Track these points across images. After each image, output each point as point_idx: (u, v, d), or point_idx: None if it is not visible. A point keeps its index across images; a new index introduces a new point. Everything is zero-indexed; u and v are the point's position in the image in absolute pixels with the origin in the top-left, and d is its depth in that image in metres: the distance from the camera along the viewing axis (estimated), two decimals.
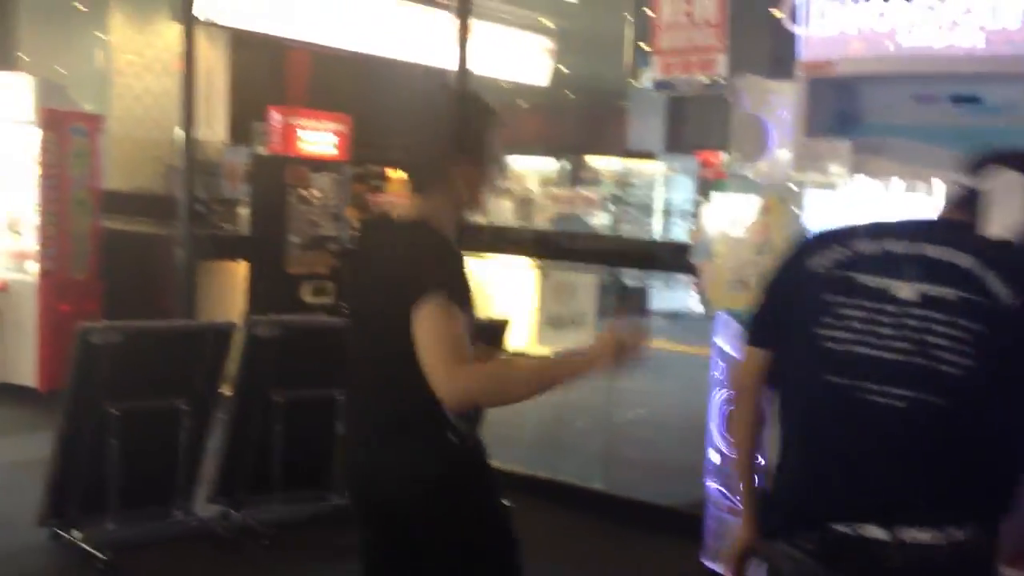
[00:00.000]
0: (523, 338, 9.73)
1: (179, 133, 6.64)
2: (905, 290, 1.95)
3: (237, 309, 7.29)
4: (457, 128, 2.48)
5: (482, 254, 6.57)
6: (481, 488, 2.57)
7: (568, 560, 4.77)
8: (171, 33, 8.50)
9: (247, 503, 4.81)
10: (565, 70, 12.70)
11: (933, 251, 1.98)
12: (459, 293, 2.37)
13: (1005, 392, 1.91)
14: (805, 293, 2.06)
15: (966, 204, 2.07)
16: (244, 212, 8.09)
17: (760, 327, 2.22)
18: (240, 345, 4.72)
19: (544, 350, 9.90)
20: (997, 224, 2.02)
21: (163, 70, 9.78)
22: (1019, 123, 3.62)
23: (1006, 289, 1.90)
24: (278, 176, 7.53)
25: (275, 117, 8.13)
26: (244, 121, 9.47)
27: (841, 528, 1.92)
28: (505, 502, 2.67)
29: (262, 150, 8.39)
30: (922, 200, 3.68)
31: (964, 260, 1.94)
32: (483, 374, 2.35)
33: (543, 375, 2.37)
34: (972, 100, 3.72)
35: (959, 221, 2.05)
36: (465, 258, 2.44)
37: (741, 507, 2.25)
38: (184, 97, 6.60)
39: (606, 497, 5.47)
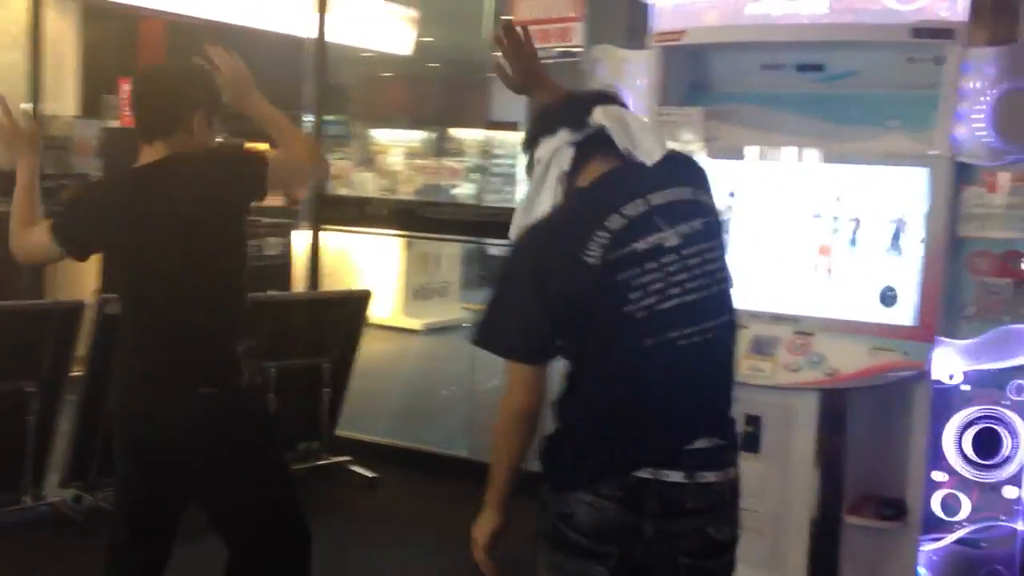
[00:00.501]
0: (387, 309, 9.72)
1: (26, 107, 6.37)
2: (670, 238, 2.09)
3: (90, 287, 7.06)
4: (199, 83, 2.83)
5: (346, 227, 6.50)
6: (264, 424, 2.89)
7: (433, 526, 4.78)
8: (18, 4, 8.14)
9: (100, 486, 4.67)
10: (428, 39, 12.60)
11: (658, 197, 2.11)
12: None
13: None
14: (592, 285, 2.07)
15: (587, 156, 2.18)
16: None
17: (538, 343, 2.13)
18: (91, 324, 4.57)
19: (410, 321, 9.92)
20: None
21: (11, 43, 9.34)
22: (861, 89, 3.76)
23: (710, 200, 2.22)
24: (131, 150, 7.25)
25: (126, 89, 7.85)
26: (95, 94, 9.12)
27: (643, 474, 2.05)
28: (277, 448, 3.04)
29: (115, 123, 8.10)
30: (773, 165, 3.79)
31: (684, 192, 2.16)
32: (301, 138, 3.19)
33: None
34: (816, 68, 3.84)
35: (632, 165, 2.15)
36: None
37: (493, 500, 2.30)
38: (31, 70, 6.34)
39: (470, 464, 5.50)
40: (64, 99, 9.26)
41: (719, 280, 2.14)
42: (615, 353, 2.10)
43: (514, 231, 2.22)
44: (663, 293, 2.06)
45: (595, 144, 2.17)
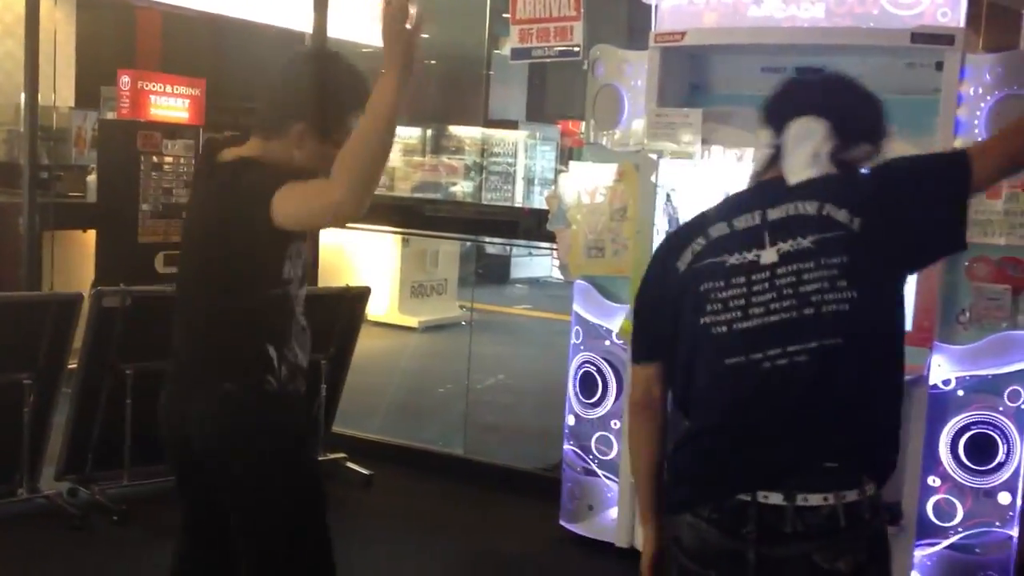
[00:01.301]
0: (384, 306, 9.72)
1: (23, 98, 6.36)
2: (767, 255, 2.01)
3: (86, 280, 7.05)
4: (308, 91, 2.46)
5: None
6: (292, 437, 2.60)
7: (428, 525, 4.79)
8: None
9: (96, 479, 4.67)
10: (426, 36, 12.62)
11: (775, 212, 2.04)
12: None
13: (883, 313, 2.04)
14: (679, 293, 2.09)
15: (775, 162, 2.13)
16: (93, 179, 7.81)
17: (643, 343, 2.22)
18: (88, 317, 4.57)
19: (407, 319, 9.92)
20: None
21: (5, 32, 9.33)
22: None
23: (849, 216, 2.00)
24: (128, 142, 7.27)
25: (125, 80, 7.84)
26: (92, 85, 9.11)
27: (741, 497, 1.97)
28: (314, 456, 2.83)
29: (111, 115, 8.09)
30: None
31: (808, 207, 2.02)
32: (341, 169, 2.24)
33: (375, 113, 2.27)
34: (816, 71, 3.83)
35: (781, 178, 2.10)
36: None
37: (645, 518, 2.24)
38: (28, 60, 6.31)
39: (466, 462, 5.51)
40: (61, 90, 9.25)
41: (817, 302, 1.98)
42: (699, 369, 2.07)
43: None
44: (744, 311, 2.00)
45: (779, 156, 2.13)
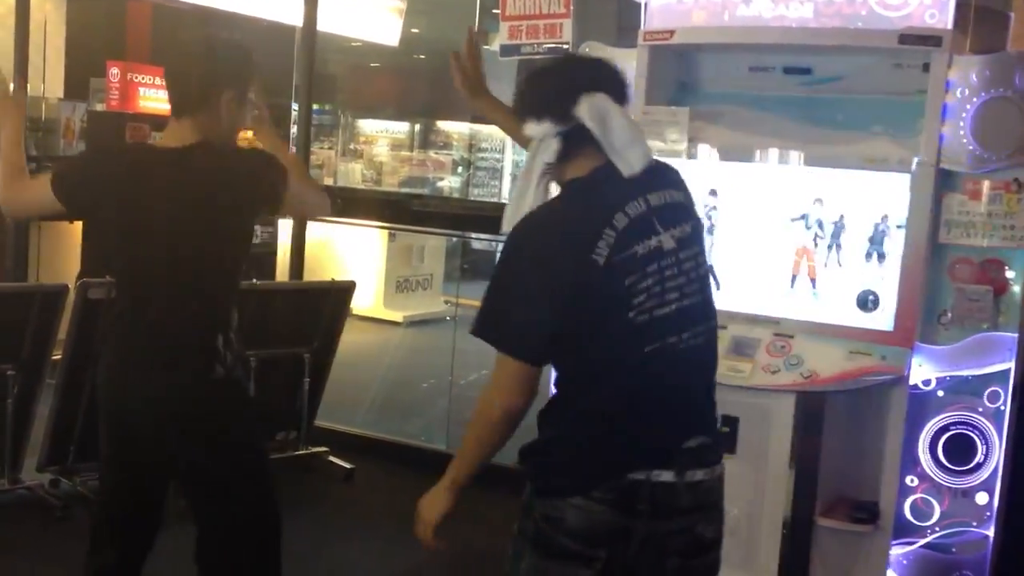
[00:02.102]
0: (370, 300, 9.71)
1: (11, 88, 6.33)
2: (667, 241, 2.09)
3: (72, 272, 7.03)
4: (229, 62, 2.76)
5: (330, 217, 6.50)
6: (240, 423, 2.83)
7: (410, 519, 4.76)
8: None
9: (78, 470, 4.67)
10: (416, 31, 12.59)
11: (656, 198, 2.11)
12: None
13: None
14: (599, 286, 2.03)
15: (574, 148, 2.12)
16: None
17: (537, 342, 2.07)
18: (73, 308, 4.56)
19: (392, 313, 9.92)
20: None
21: None
22: (847, 93, 3.78)
23: (691, 201, 2.23)
24: (117, 133, 7.25)
25: (114, 72, 7.82)
26: (81, 76, 9.07)
27: (635, 476, 2.04)
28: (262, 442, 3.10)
29: (100, 106, 8.06)
30: (757, 167, 3.81)
31: (676, 195, 2.17)
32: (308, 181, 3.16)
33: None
34: (803, 71, 3.86)
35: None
36: None
37: (456, 485, 2.24)
38: (17, 51, 6.29)
39: (448, 457, 5.45)
40: (50, 81, 9.21)
41: (707, 285, 2.17)
42: (615, 359, 2.07)
43: (508, 222, 2.15)
44: (661, 297, 2.05)
45: (583, 136, 2.10)
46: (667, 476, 2.04)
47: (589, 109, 2.07)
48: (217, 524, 2.82)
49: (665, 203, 2.12)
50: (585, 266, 2.02)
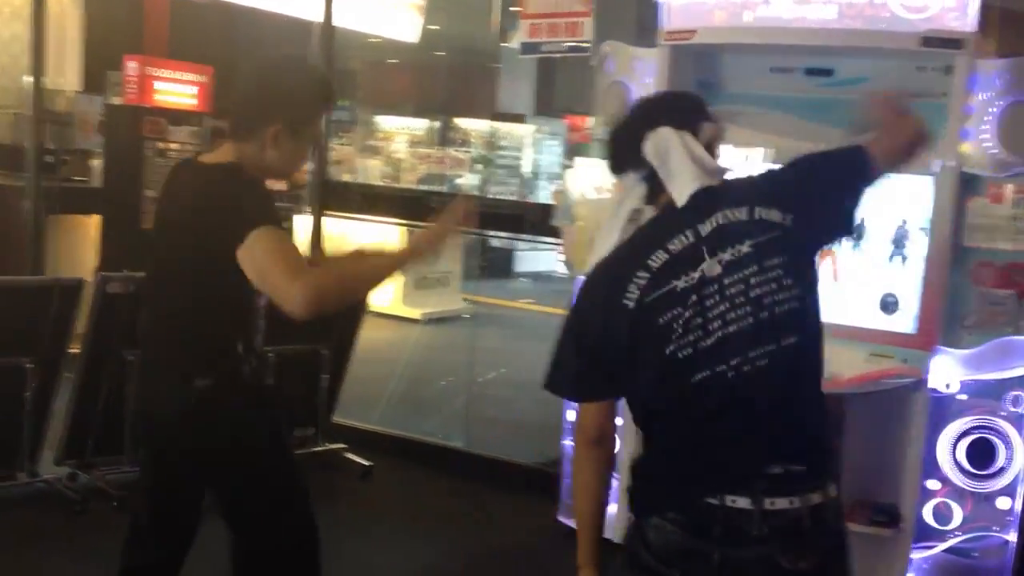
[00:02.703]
0: (388, 297, 9.72)
1: (28, 81, 6.35)
2: (710, 267, 2.01)
3: (89, 265, 7.06)
4: (284, 93, 2.56)
5: (348, 213, 6.50)
6: (268, 428, 2.74)
7: (428, 517, 4.80)
8: None
9: (96, 464, 4.69)
10: (435, 28, 12.60)
11: (705, 227, 2.04)
12: (280, 226, 2.50)
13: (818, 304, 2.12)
14: (632, 329, 2.04)
15: (658, 189, 2.12)
16: (98, 164, 7.81)
17: (595, 382, 2.13)
18: (91, 302, 4.57)
19: (410, 310, 9.93)
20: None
21: (12, 14, 9.31)
22: (869, 95, 3.75)
23: (777, 212, 2.05)
24: (134, 127, 7.28)
25: (131, 66, 7.83)
26: (99, 69, 9.09)
27: (709, 500, 1.99)
28: (284, 434, 2.93)
29: (117, 100, 8.08)
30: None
31: (739, 213, 2.05)
32: (326, 275, 2.49)
33: (377, 266, 2.63)
34: (825, 72, 3.84)
35: (698, 192, 2.08)
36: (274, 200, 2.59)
37: (586, 565, 2.25)
38: (34, 43, 6.31)
39: (466, 455, 5.51)
40: (67, 73, 9.24)
41: (769, 304, 2.01)
42: (665, 395, 2.06)
43: (590, 264, 2.19)
44: (705, 328, 2.00)
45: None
46: (743, 503, 1.98)
47: (653, 147, 2.09)
48: (252, 533, 2.76)
49: (719, 226, 2.04)
50: (613, 311, 2.04)
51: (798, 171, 2.17)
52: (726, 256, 2.01)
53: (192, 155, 2.83)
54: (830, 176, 2.16)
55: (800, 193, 2.11)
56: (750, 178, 2.18)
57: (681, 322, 2.00)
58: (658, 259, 2.03)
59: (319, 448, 5.36)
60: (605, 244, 2.15)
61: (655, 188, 2.12)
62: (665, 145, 2.08)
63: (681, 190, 2.06)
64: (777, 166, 2.29)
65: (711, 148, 2.14)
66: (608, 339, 2.05)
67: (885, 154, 2.17)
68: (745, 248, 2.02)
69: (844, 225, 2.19)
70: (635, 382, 2.08)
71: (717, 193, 2.07)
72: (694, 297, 2.00)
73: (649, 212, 2.15)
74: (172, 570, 2.83)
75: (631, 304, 2.02)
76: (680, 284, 2.01)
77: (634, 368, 2.06)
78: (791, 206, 2.06)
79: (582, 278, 2.18)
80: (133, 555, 2.82)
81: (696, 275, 2.01)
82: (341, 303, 2.52)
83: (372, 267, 2.63)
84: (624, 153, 2.16)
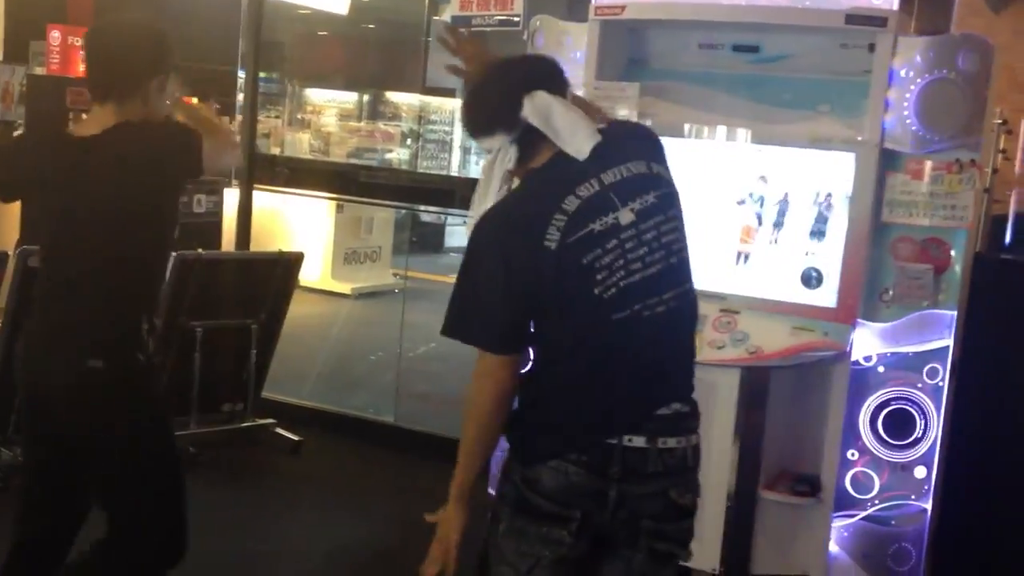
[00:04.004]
0: (318, 272, 9.65)
1: None
2: (624, 215, 2.14)
3: (10, 238, 6.90)
4: (157, 48, 2.75)
5: (277, 187, 6.43)
6: (156, 409, 2.80)
7: (357, 491, 4.80)
8: None
9: (17, 441, 4.58)
10: (365, 0, 12.48)
11: (609, 176, 2.15)
12: None
13: None
14: (555, 270, 2.10)
15: (530, 149, 2.20)
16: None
17: (510, 333, 2.15)
18: (11, 276, 4.48)
19: (340, 285, 9.87)
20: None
21: None
22: (795, 72, 3.81)
23: (663, 169, 2.26)
24: (58, 98, 7.11)
25: (54, 35, 7.66)
26: (21, 39, 8.88)
27: (609, 440, 2.12)
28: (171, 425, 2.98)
29: (40, 70, 7.90)
30: (705, 144, 3.84)
31: (639, 166, 2.20)
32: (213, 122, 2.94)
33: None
34: (752, 49, 3.89)
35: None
36: None
37: (463, 494, 2.27)
38: None
39: (396, 429, 5.52)
40: None
41: (676, 251, 2.19)
42: (585, 331, 2.15)
43: (470, 225, 2.24)
44: (626, 269, 2.11)
45: (535, 135, 2.18)
46: (639, 441, 2.12)
47: (532, 110, 2.16)
48: (120, 528, 2.76)
49: (622, 178, 2.16)
50: (538, 253, 2.10)
51: (649, 132, 2.39)
52: (636, 205, 2.15)
53: (60, 131, 2.96)
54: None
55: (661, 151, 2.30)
56: (630, 133, 2.34)
57: (605, 263, 2.10)
58: (571, 203, 2.12)
59: (248, 423, 5.32)
60: (485, 202, 2.23)
61: (526, 151, 2.19)
62: (546, 107, 2.16)
63: (580, 145, 2.16)
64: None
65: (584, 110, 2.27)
66: (537, 281, 2.12)
67: None
68: (651, 198, 2.17)
69: None
70: (552, 321, 2.15)
71: (608, 146, 2.18)
72: (614, 241, 2.11)
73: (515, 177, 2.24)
74: (64, 542, 2.83)
75: (553, 245, 2.10)
76: (596, 227, 2.11)
77: (559, 307, 2.14)
78: (666, 165, 2.28)
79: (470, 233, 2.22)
80: (24, 529, 2.81)
81: (610, 220, 2.12)
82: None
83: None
84: (496, 116, 2.20)
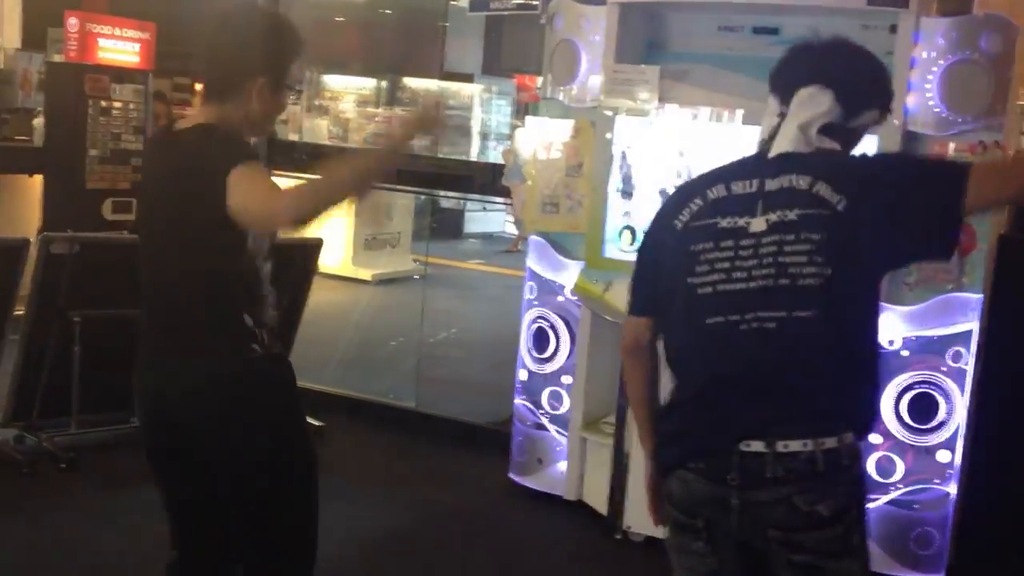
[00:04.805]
0: (338, 258, 9.67)
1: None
2: (756, 223, 2.07)
3: (32, 225, 6.94)
4: (263, 46, 2.50)
5: (296, 173, 6.44)
6: (285, 400, 2.58)
7: (379, 477, 4.81)
8: None
9: (43, 426, 4.64)
10: None
11: (772, 183, 2.09)
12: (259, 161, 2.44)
13: (859, 291, 2.11)
14: (674, 250, 2.15)
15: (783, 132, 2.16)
16: (40, 123, 7.67)
17: (640, 296, 2.29)
18: (35, 263, 4.50)
19: (360, 271, 9.88)
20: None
21: None
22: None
23: (836, 195, 2.04)
24: (76, 85, 7.15)
25: (72, 22, 7.68)
26: (39, 26, 8.91)
27: (727, 447, 2.06)
28: (307, 417, 2.74)
29: (58, 57, 7.94)
30: (726, 127, 3.81)
31: (801, 181, 2.08)
32: (302, 189, 2.36)
33: (354, 168, 2.39)
34: (772, 31, 3.86)
35: (788, 152, 2.13)
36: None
37: (645, 442, 2.34)
38: None
39: (417, 415, 5.53)
40: (7, 31, 9.05)
41: (794, 275, 2.04)
42: (685, 329, 2.15)
43: None
44: (728, 274, 2.07)
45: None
46: (757, 446, 2.03)
47: (799, 99, 2.13)
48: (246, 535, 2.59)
49: (781, 188, 2.08)
50: (666, 230, 2.18)
51: (881, 164, 2.22)
52: (774, 217, 2.07)
53: (166, 126, 2.71)
54: (912, 185, 2.08)
55: (870, 184, 2.07)
56: (829, 153, 2.15)
57: (710, 257, 2.09)
58: (716, 192, 2.13)
59: None
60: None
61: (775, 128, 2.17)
62: (809, 104, 2.12)
63: (778, 144, 2.13)
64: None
65: (854, 135, 2.18)
66: (656, 256, 2.20)
67: (991, 193, 2.10)
68: (791, 215, 2.06)
69: (934, 246, 2.13)
70: (667, 311, 2.19)
71: (796, 157, 2.11)
72: (731, 242, 2.08)
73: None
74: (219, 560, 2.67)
75: (679, 226, 2.14)
76: (723, 223, 2.10)
77: (670, 290, 2.16)
78: (852, 193, 2.05)
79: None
80: (178, 549, 2.67)
81: (740, 222, 2.08)
82: (323, 208, 2.35)
83: (348, 169, 2.41)
84: (782, 78, 2.19)
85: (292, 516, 2.60)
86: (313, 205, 2.31)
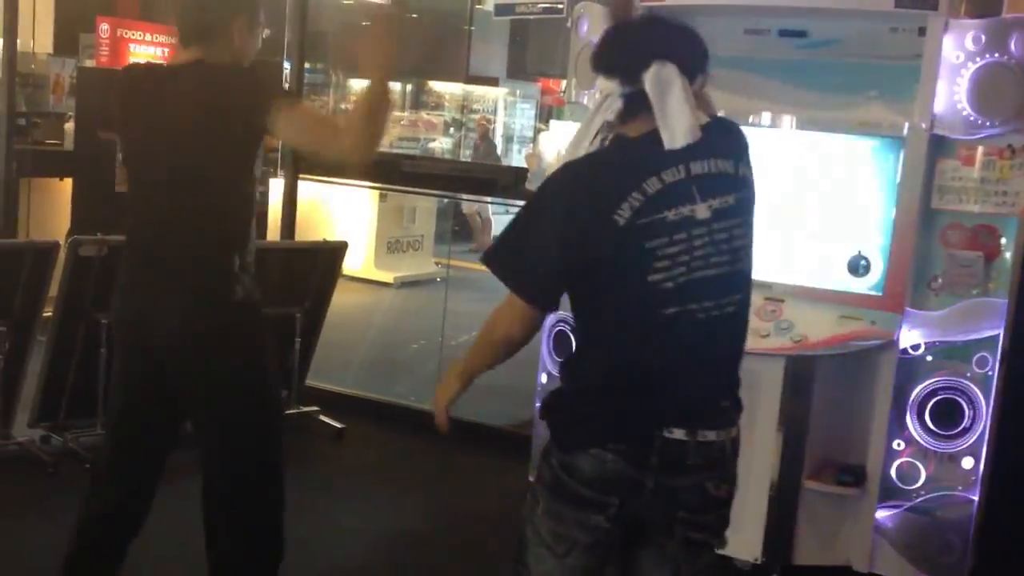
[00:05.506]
0: (361, 261, 9.70)
1: (0, 44, 6.26)
2: (700, 210, 2.09)
3: (62, 228, 7.00)
4: None
5: (322, 177, 6.47)
6: (258, 344, 2.79)
7: (399, 479, 4.82)
8: None
9: (69, 427, 4.67)
10: None
11: (699, 167, 2.10)
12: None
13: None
14: (617, 247, 2.08)
15: (635, 110, 2.13)
16: (70, 127, 7.73)
17: (546, 287, 2.16)
18: (63, 265, 4.54)
19: (382, 274, 9.91)
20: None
21: None
22: (843, 57, 3.77)
23: (749, 172, 2.19)
24: (107, 90, 7.18)
25: (104, 28, 7.76)
26: (71, 32, 9.00)
27: (651, 432, 2.11)
28: (266, 355, 2.88)
29: (90, 62, 8.01)
30: (751, 131, 3.80)
31: (726, 165, 2.14)
32: (356, 125, 2.54)
33: (376, 92, 2.56)
34: (799, 34, 3.84)
35: (648, 133, 2.11)
36: None
37: (464, 373, 2.32)
38: (7, 5, 6.22)
39: None
40: (39, 36, 9.14)
41: (743, 257, 2.15)
42: (634, 319, 2.13)
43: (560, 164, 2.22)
44: (689, 266, 2.07)
45: (644, 101, 2.11)
46: (680, 434, 2.11)
47: (654, 77, 2.09)
48: (221, 465, 2.77)
49: (707, 172, 2.11)
50: (604, 223, 2.06)
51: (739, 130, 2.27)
52: (715, 203, 2.10)
53: (146, 64, 2.86)
54: None
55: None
56: (725, 129, 2.22)
57: (669, 252, 2.07)
58: (652, 185, 2.07)
59: (292, 411, 5.36)
60: (578, 151, 2.18)
61: (630, 110, 2.13)
62: (668, 83, 2.08)
63: (676, 136, 2.09)
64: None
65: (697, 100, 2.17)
66: (594, 250, 2.09)
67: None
68: (731, 200, 2.12)
69: None
70: (599, 297, 2.13)
71: (703, 137, 2.10)
72: (683, 234, 2.07)
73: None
74: (131, 522, 2.84)
75: (621, 222, 2.05)
76: (670, 215, 2.07)
77: (609, 284, 2.11)
78: (751, 167, 2.20)
79: (549, 175, 2.20)
80: (91, 503, 2.83)
81: (685, 211, 2.08)
82: (381, 133, 2.59)
83: (375, 93, 2.56)
84: (620, 61, 2.15)
85: (258, 447, 2.76)
86: (372, 135, 2.53)
